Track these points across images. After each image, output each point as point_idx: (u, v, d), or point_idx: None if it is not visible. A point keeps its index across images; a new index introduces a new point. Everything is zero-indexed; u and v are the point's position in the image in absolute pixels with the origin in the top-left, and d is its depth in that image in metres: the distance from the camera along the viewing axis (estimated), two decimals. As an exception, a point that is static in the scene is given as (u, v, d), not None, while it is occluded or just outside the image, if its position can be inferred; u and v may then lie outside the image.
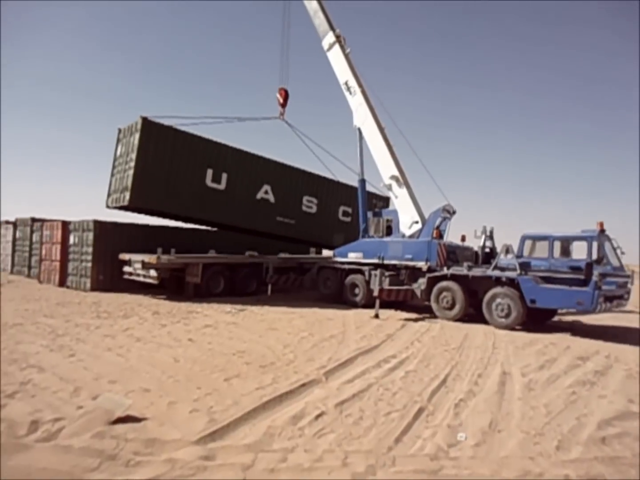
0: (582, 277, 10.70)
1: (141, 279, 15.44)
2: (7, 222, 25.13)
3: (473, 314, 12.75)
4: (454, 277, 12.71)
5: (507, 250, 12.12)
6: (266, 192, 17.98)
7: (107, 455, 3.84)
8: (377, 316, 12.39)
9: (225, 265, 16.32)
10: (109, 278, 16.69)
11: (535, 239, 12.20)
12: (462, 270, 12.73)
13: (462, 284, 12.51)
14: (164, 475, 3.57)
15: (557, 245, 11.77)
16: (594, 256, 10.99)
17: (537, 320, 12.16)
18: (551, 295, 11.00)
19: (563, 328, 11.95)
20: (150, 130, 14.95)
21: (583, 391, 6.26)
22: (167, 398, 5.35)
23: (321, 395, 5.62)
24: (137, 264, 15.31)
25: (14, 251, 23.77)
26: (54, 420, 4.50)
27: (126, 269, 16.12)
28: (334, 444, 4.28)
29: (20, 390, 5.45)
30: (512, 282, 11.59)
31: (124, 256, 16.14)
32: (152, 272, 14.83)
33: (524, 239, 12.29)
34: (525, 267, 11.76)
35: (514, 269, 11.70)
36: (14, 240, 23.69)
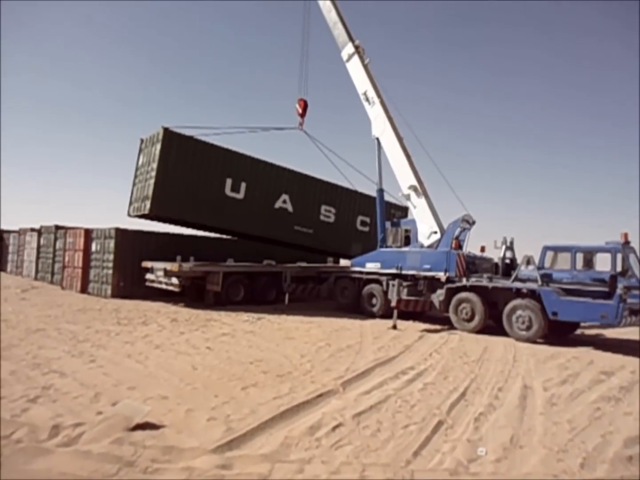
0: (606, 289, 10.45)
1: (163, 286, 15.65)
2: (32, 230, 25.75)
3: (493, 326, 12.55)
4: (473, 288, 12.54)
5: (528, 261, 11.92)
6: (284, 202, 18.06)
7: (126, 462, 3.87)
8: (394, 327, 12.28)
9: (245, 274, 16.50)
10: (129, 285, 16.93)
11: (557, 250, 11.98)
12: (481, 281, 12.56)
13: (481, 295, 12.34)
14: (181, 483, 3.58)
15: (580, 256, 11.52)
16: (618, 268, 10.73)
17: (559, 333, 11.90)
18: (574, 308, 10.76)
19: (586, 342, 11.66)
20: (171, 141, 15.21)
21: (608, 407, 6.09)
22: (185, 405, 5.38)
23: (338, 406, 5.58)
24: (160, 272, 15.54)
25: (38, 258, 24.32)
26: (75, 426, 4.55)
27: (149, 276, 16.35)
28: (352, 456, 4.23)
29: (42, 395, 5.54)
30: (533, 294, 11.38)
31: (147, 264, 16.39)
32: (174, 280, 15.04)
33: (545, 250, 12.08)
34: (546, 278, 11.54)
35: (535, 281, 11.49)
36: (38, 247, 24.25)
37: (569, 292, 11.13)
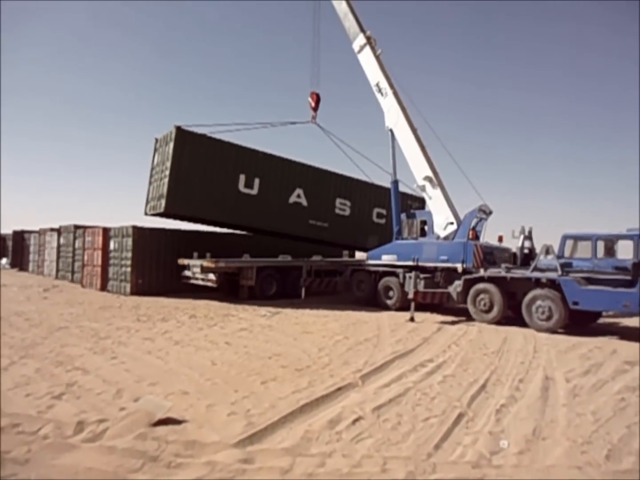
0: (628, 277, 10.25)
1: (200, 282, 16.03)
2: (52, 229, 26.23)
3: (512, 316, 12.41)
4: (491, 279, 12.41)
5: (547, 250, 11.73)
6: (298, 196, 18.07)
7: (150, 457, 3.92)
8: (412, 319, 12.22)
9: (277, 268, 16.93)
10: (147, 282, 17.15)
11: (577, 238, 11.77)
12: (500, 271, 12.42)
13: (500, 286, 12.19)
14: (204, 478, 3.62)
15: (601, 244, 11.32)
16: (641, 256, 10.50)
17: (580, 323, 11.72)
18: (595, 297, 10.58)
19: (608, 331, 11.45)
20: (184, 139, 15.32)
21: (633, 398, 5.97)
22: (206, 401, 5.43)
23: (358, 400, 5.58)
24: (196, 268, 15.86)
25: (58, 257, 24.77)
26: (99, 422, 4.64)
27: (186, 273, 16.66)
28: (372, 449, 4.23)
29: (66, 392, 5.65)
30: (553, 284, 11.21)
31: (182, 261, 16.70)
32: (211, 276, 15.44)
33: (565, 238, 11.88)
34: (566, 268, 11.35)
35: (555, 270, 11.31)
36: (58, 246, 24.69)
37: (590, 281, 10.94)
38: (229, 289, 16.46)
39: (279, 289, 16.75)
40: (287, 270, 17.07)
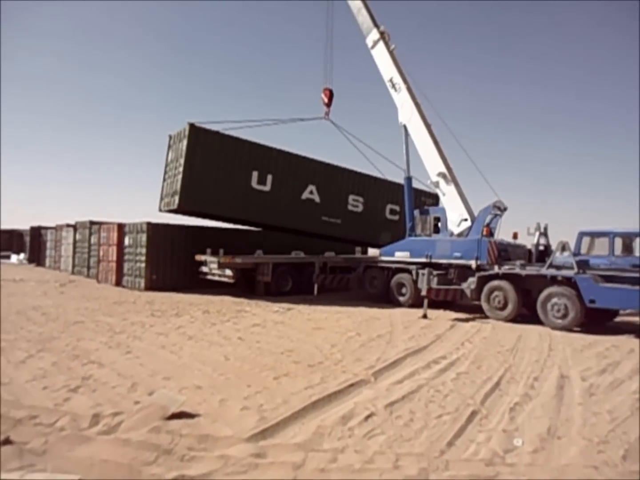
0: (646, 275, 10.05)
1: (217, 278, 16.19)
2: (68, 225, 26.60)
3: (526, 314, 12.27)
4: (505, 276, 12.28)
5: (564, 247, 11.57)
6: (311, 192, 18.07)
7: (163, 450, 3.96)
8: (425, 316, 12.16)
9: (293, 265, 17.02)
10: (162, 278, 17.32)
11: (594, 235, 11.59)
12: (514, 268, 12.29)
13: (514, 283, 12.06)
14: (217, 471, 3.64)
15: (619, 242, 11.14)
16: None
17: (596, 321, 11.54)
18: (612, 295, 10.41)
19: (626, 330, 11.26)
20: (197, 136, 15.40)
21: (651, 397, 5.86)
22: (219, 395, 5.47)
23: (370, 396, 5.57)
24: (213, 264, 15.99)
25: (74, 252, 25.12)
26: (114, 414, 4.70)
27: (202, 268, 16.80)
28: (385, 445, 4.22)
29: (82, 385, 5.74)
30: (569, 281, 11.06)
31: (200, 257, 16.80)
32: (228, 272, 15.60)
33: (581, 235, 11.71)
34: (583, 265, 11.19)
35: (571, 267, 11.16)
36: (75, 242, 25.04)
37: (607, 278, 10.77)
38: (246, 285, 16.61)
39: (295, 285, 16.83)
40: (303, 266, 17.14)
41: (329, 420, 4.74)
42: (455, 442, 4.34)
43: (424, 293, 12.91)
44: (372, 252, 21.49)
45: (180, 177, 15.23)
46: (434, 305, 13.25)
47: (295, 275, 16.91)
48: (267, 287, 16.27)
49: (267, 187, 16.93)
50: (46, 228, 32.37)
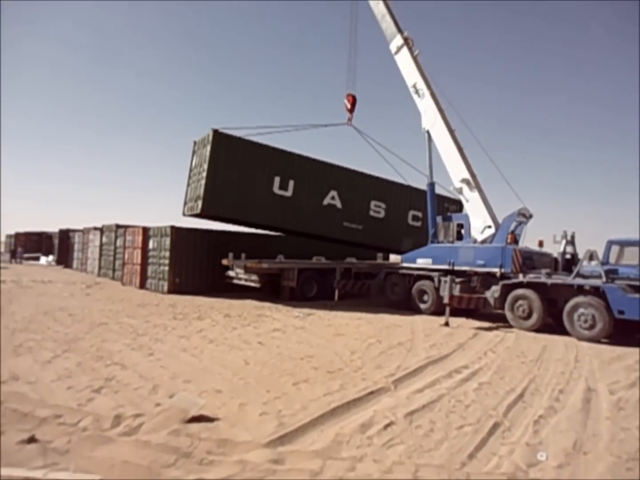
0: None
1: (242, 282, 16.39)
2: (95, 228, 27.24)
3: (552, 324, 11.98)
4: (530, 285, 12.02)
5: (591, 256, 11.27)
6: (333, 198, 18.08)
7: (183, 453, 3.99)
8: (447, 324, 11.99)
9: (317, 270, 17.09)
10: (184, 281, 17.54)
11: (624, 244, 11.25)
12: (540, 277, 12.02)
13: (539, 292, 11.80)
14: (235, 476, 3.64)
15: (650, 251, 10.77)
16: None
17: (625, 333, 11.17)
18: (643, 306, 10.07)
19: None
20: (221, 142, 15.61)
21: (683, 413, 5.64)
22: (238, 400, 5.49)
23: (390, 404, 5.50)
24: (240, 269, 16.18)
25: (100, 255, 25.70)
26: (135, 416, 4.75)
27: (230, 273, 16.99)
28: (404, 455, 4.16)
29: (105, 386, 5.83)
30: (597, 291, 10.76)
31: (227, 261, 16.99)
32: (254, 277, 15.78)
33: (610, 244, 11.38)
34: (611, 274, 10.87)
35: (599, 277, 10.86)
36: (101, 245, 25.62)
37: (637, 289, 10.44)
38: (271, 290, 16.77)
39: (319, 291, 16.88)
40: (327, 272, 17.19)
41: (347, 428, 4.70)
42: (476, 454, 4.25)
43: (446, 301, 12.74)
44: (394, 258, 21.35)
45: (203, 182, 15.45)
46: (456, 313, 13.07)
47: (320, 281, 16.95)
48: (292, 292, 16.38)
49: (288, 193, 17.01)
50: (74, 231, 33.23)
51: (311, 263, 17.84)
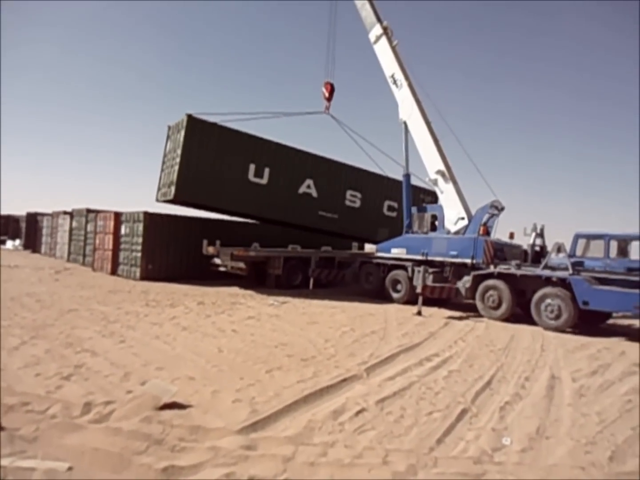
0: (640, 279, 10.10)
1: (229, 269, 16.30)
2: (65, 212, 26.50)
3: (520, 314, 12.34)
4: (500, 276, 12.33)
5: (559, 249, 11.62)
6: (308, 187, 18.05)
7: (154, 440, 3.97)
8: (419, 313, 12.20)
9: (302, 259, 17.15)
10: (157, 268, 17.30)
11: (590, 237, 11.63)
12: (509, 268, 12.33)
13: (509, 282, 12.11)
14: (207, 462, 3.66)
15: (614, 244, 11.18)
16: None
17: (589, 323, 11.61)
18: (606, 298, 10.47)
19: (618, 332, 11.35)
20: (195, 127, 15.35)
21: (640, 400, 5.92)
22: (211, 387, 5.49)
23: (362, 391, 5.60)
24: (226, 256, 16.09)
25: (70, 240, 25.05)
26: (106, 403, 4.70)
27: (215, 260, 16.79)
28: (375, 441, 4.25)
29: (75, 373, 5.74)
30: (563, 283, 11.11)
31: (211, 249, 16.79)
32: (241, 264, 15.77)
33: (577, 237, 11.75)
34: (578, 266, 11.24)
35: (566, 269, 11.21)
36: (71, 229, 24.96)
37: (601, 281, 10.83)
38: (255, 277, 16.87)
39: (304, 279, 16.94)
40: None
41: (320, 415, 4.77)
42: (444, 439, 4.38)
43: (419, 290, 12.96)
44: (369, 248, 21.53)
45: (177, 167, 15.19)
46: (428, 302, 13.31)
47: (304, 270, 17.02)
48: (278, 279, 16.55)
49: (264, 180, 16.90)
50: (42, 214, 32.25)
51: (297, 252, 18.01)
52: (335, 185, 18.73)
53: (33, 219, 34.02)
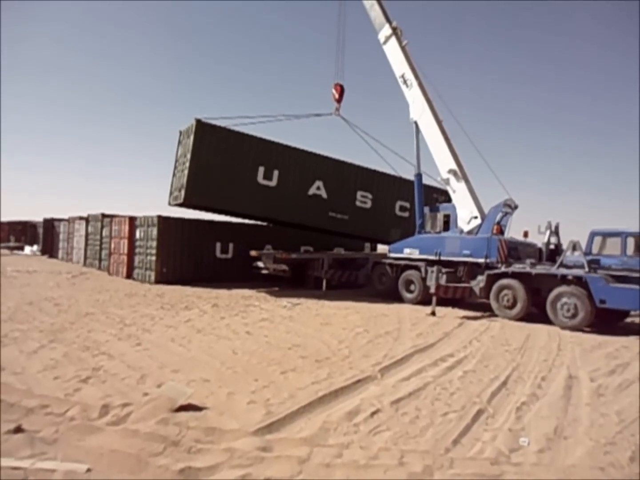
0: (659, 276, 9.93)
1: (271, 272, 16.73)
2: (81, 218, 26.88)
3: (535, 313, 12.20)
4: (515, 275, 12.20)
5: (575, 247, 11.47)
6: (318, 188, 18.05)
7: (171, 441, 4.01)
8: (433, 313, 12.14)
9: (340, 260, 17.85)
10: (172, 271, 17.46)
11: (606, 235, 11.46)
12: (524, 267, 12.20)
13: (524, 281, 11.98)
14: (223, 464, 3.68)
15: (631, 242, 10.99)
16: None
17: (606, 321, 11.43)
18: (623, 296, 10.31)
19: (635, 331, 11.15)
20: (204, 132, 15.50)
21: (660, 399, 5.81)
22: (226, 389, 5.52)
23: (377, 392, 5.58)
24: (269, 259, 16.59)
25: (86, 245, 25.40)
26: (123, 405, 4.76)
27: (258, 263, 17.08)
28: (390, 442, 4.23)
29: (92, 376, 5.82)
30: (579, 281, 10.96)
31: (254, 253, 17.11)
32: (284, 267, 16.49)
33: (593, 235, 11.59)
34: (594, 264, 11.08)
35: (582, 267, 11.06)
36: (87, 234, 25.31)
37: (618, 278, 10.66)
38: (295, 279, 17.36)
39: (338, 280, 17.30)
40: (346, 262, 17.95)
41: (334, 416, 4.76)
42: (460, 440, 4.34)
43: (432, 290, 12.89)
44: (382, 248, 21.46)
45: (187, 171, 15.35)
46: (442, 302, 13.23)
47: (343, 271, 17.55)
48: (317, 281, 17.01)
49: (273, 183, 16.96)
50: (59, 220, 32.74)
51: (335, 254, 18.74)
52: (345, 186, 18.70)
53: (50, 225, 34.57)
